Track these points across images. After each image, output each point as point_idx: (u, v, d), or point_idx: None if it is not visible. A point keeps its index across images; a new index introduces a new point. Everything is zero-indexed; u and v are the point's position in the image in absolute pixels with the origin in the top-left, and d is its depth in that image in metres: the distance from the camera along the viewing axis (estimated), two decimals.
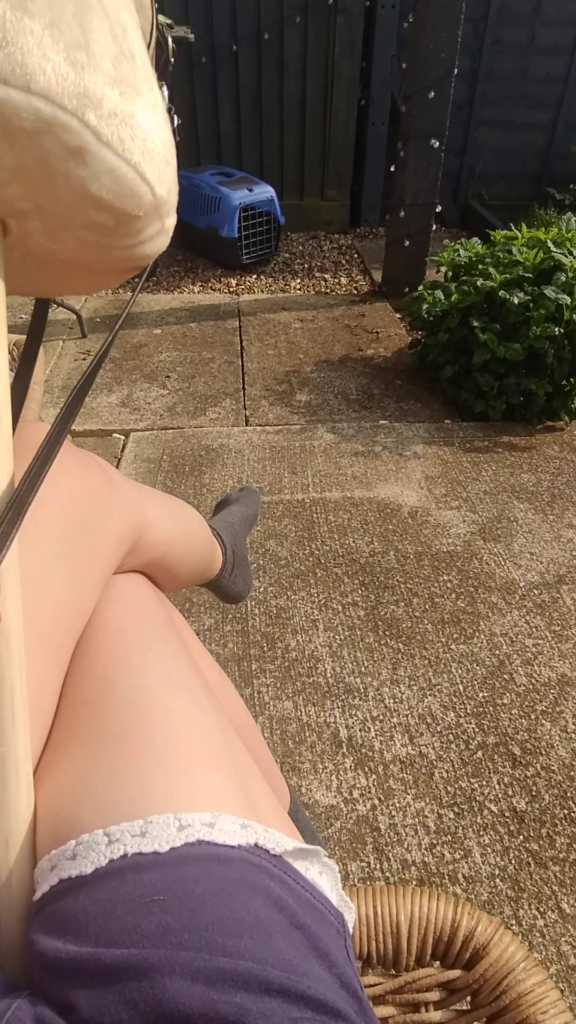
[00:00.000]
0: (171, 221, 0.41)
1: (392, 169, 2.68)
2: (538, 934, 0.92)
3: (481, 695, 1.24)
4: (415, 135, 2.49)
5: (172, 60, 0.37)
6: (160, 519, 0.58)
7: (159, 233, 0.40)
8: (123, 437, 1.99)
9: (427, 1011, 0.41)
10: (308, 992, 0.27)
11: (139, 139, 0.33)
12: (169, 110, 0.35)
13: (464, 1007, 0.41)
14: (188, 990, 0.26)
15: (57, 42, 0.28)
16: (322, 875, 0.35)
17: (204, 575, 0.79)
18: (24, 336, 1.04)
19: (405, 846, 1.01)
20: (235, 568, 0.89)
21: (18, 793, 0.33)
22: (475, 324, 1.96)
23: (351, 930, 0.36)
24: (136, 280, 0.47)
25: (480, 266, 2.05)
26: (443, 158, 2.57)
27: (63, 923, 0.29)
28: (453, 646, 1.34)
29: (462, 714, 1.20)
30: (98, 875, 0.29)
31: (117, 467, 1.84)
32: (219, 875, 0.30)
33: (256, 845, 0.32)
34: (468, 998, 0.41)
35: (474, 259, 2.11)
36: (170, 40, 0.36)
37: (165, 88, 0.36)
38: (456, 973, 0.41)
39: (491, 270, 1.98)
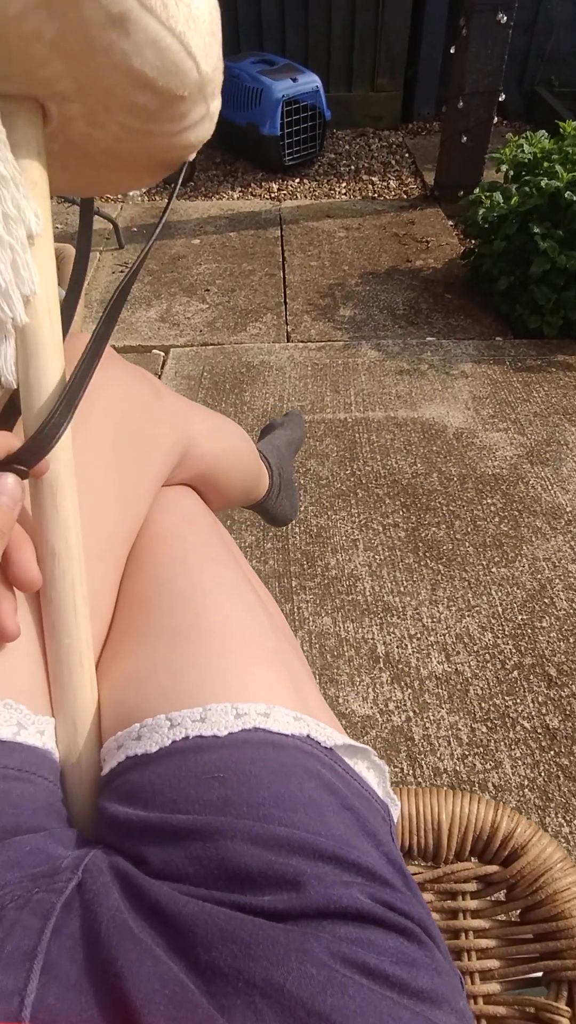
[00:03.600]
0: (216, 105, 0.38)
1: (452, 51, 2.41)
2: (563, 840, 0.96)
3: (520, 617, 1.24)
4: (480, 7, 2.22)
5: None
6: (207, 432, 0.58)
7: (204, 118, 0.37)
8: (163, 353, 1.96)
9: (464, 899, 0.43)
10: (359, 861, 0.29)
11: (183, 4, 0.30)
12: None
13: (500, 899, 0.43)
14: (248, 851, 0.28)
15: None
16: (369, 770, 0.37)
17: (250, 495, 0.80)
18: (63, 245, 1.01)
19: (438, 755, 1.05)
20: (281, 491, 0.89)
21: (82, 680, 0.35)
22: (536, 230, 1.81)
23: (395, 824, 0.38)
24: (172, 186, 0.45)
25: (546, 164, 1.87)
26: (510, 36, 2.30)
27: (131, 793, 0.31)
28: (494, 569, 1.33)
29: (499, 635, 1.21)
30: (162, 753, 0.31)
31: None
32: (274, 758, 0.31)
33: (308, 736, 0.33)
34: (504, 891, 0.43)
35: (539, 156, 1.92)
36: None
37: None
38: (494, 868, 0.43)
39: (558, 168, 1.81)
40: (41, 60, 0.29)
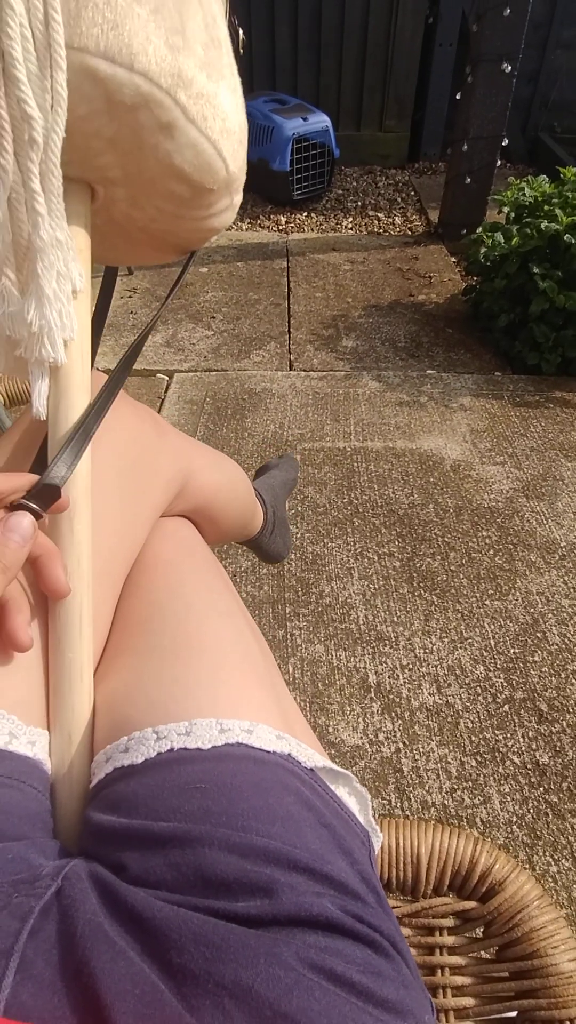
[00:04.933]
0: (238, 198, 0.44)
1: (458, 97, 2.50)
2: (551, 880, 0.95)
3: (512, 651, 1.24)
4: (486, 58, 2.31)
5: (242, 51, 0.41)
6: (206, 467, 0.60)
7: (227, 208, 0.43)
8: (167, 378, 1.99)
9: (441, 935, 0.43)
10: (332, 874, 0.30)
11: (219, 118, 0.37)
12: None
13: (477, 935, 0.43)
14: (225, 859, 0.29)
15: (159, 27, 0.31)
16: (351, 796, 0.38)
17: (245, 530, 0.82)
18: None
19: (426, 788, 1.05)
20: (275, 529, 0.91)
21: (81, 695, 0.37)
22: (535, 270, 1.86)
23: (375, 853, 0.38)
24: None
25: (546, 207, 1.92)
26: (514, 84, 2.38)
27: (116, 802, 0.32)
28: (487, 602, 1.34)
29: (491, 668, 1.21)
30: (147, 764, 0.33)
31: (160, 408, 1.86)
32: (255, 772, 0.32)
33: (290, 755, 0.35)
34: (481, 928, 0.43)
35: (540, 199, 1.98)
36: (240, 33, 0.40)
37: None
38: (471, 904, 0.43)
39: (558, 211, 1.86)
40: (97, 152, 0.35)
